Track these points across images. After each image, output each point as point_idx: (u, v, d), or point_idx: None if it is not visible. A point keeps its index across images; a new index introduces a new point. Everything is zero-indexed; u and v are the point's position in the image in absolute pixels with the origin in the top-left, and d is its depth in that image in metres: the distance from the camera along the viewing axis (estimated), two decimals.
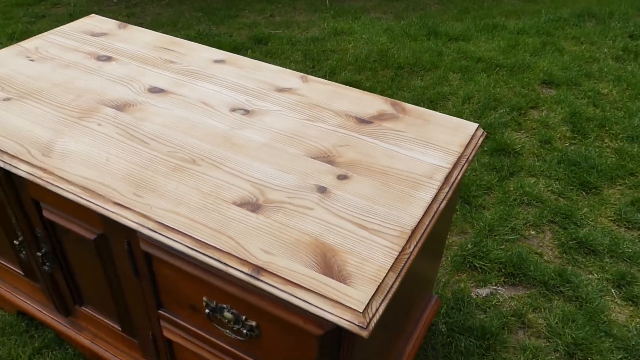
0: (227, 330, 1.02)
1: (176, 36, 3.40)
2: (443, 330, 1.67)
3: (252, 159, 1.11)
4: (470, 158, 1.17)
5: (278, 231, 0.94)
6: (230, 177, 1.06)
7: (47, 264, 1.30)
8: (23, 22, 3.73)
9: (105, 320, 1.36)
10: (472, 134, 1.22)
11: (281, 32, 3.48)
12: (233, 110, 1.26)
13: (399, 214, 0.99)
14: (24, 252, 1.33)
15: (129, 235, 1.05)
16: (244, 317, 0.98)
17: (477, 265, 1.89)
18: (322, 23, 3.66)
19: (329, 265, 0.88)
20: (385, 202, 1.02)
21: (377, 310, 0.83)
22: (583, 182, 2.26)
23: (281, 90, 1.35)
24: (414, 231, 0.96)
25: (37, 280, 1.45)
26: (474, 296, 1.79)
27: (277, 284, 0.85)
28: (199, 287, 1.01)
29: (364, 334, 0.80)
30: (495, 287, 1.82)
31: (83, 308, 1.39)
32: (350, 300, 0.82)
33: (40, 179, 1.06)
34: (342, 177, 1.07)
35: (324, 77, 2.98)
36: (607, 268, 1.88)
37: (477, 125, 1.26)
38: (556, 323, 1.68)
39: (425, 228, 0.98)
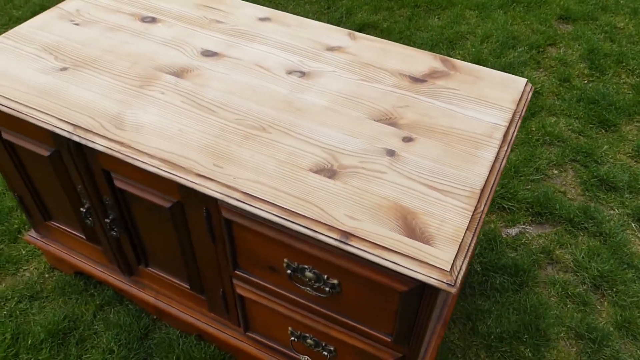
0: (308, 288, 1.11)
1: None
2: (478, 269, 1.78)
3: (318, 124, 1.15)
4: (522, 114, 1.22)
5: (357, 197, 1.00)
6: (301, 143, 1.11)
7: (115, 229, 1.36)
8: None
9: (172, 279, 1.45)
10: (522, 90, 1.27)
11: None
12: (289, 72, 1.29)
13: (466, 174, 1.05)
14: (90, 218, 1.39)
15: (208, 203, 1.11)
16: (325, 276, 1.06)
17: (506, 206, 1.98)
18: None
19: (411, 227, 0.95)
20: (452, 163, 1.08)
21: (460, 268, 0.91)
22: (602, 119, 2.32)
23: (331, 49, 1.37)
24: (482, 191, 1.03)
25: (99, 243, 1.52)
26: (504, 236, 1.89)
27: (366, 247, 0.93)
28: (280, 250, 1.08)
29: (453, 290, 0.88)
30: (524, 226, 1.93)
31: (149, 269, 1.47)
32: (436, 260, 0.90)
33: (119, 152, 1.10)
34: (407, 140, 1.12)
35: (340, 18, 2.95)
36: (627, 203, 1.98)
37: (525, 80, 1.30)
38: (582, 257, 1.80)
39: (492, 187, 1.05)
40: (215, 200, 1.09)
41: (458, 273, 0.90)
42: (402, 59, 1.34)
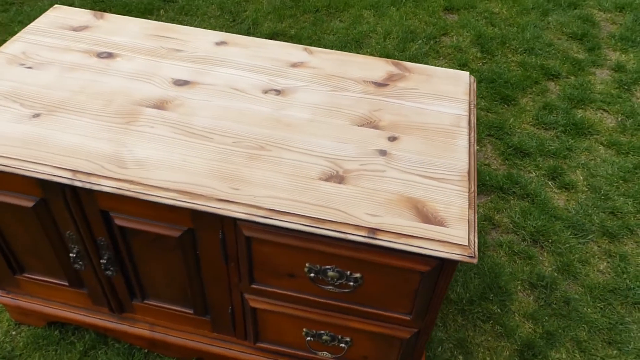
0: (330, 287, 1.20)
1: (75, 3, 3.18)
2: None
3: (310, 136, 1.25)
4: (474, 103, 1.41)
5: (369, 195, 1.12)
6: (302, 156, 1.20)
7: (111, 268, 1.35)
8: None
9: (171, 307, 1.46)
10: (469, 82, 1.46)
11: None
12: (265, 92, 1.37)
13: (450, 161, 1.21)
14: (80, 262, 1.36)
15: (224, 226, 1.16)
16: (348, 272, 1.17)
17: None
18: None
19: (424, 214, 1.09)
20: (436, 153, 1.23)
21: (474, 241, 1.06)
22: (503, 96, 2.64)
23: (294, 65, 1.46)
24: (469, 173, 1.19)
25: (84, 287, 1.49)
26: None
27: (392, 239, 1.05)
28: (301, 256, 1.17)
29: (474, 261, 1.03)
30: None
31: (145, 302, 1.47)
32: (455, 238, 1.05)
33: (129, 190, 1.11)
34: (392, 139, 1.26)
35: (247, 30, 3.01)
36: (540, 165, 2.30)
37: (468, 73, 1.49)
38: (518, 218, 2.07)
39: (474, 168, 1.22)
40: (233, 221, 1.14)
41: (474, 246, 1.05)
42: (361, 67, 1.47)
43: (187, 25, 2.99)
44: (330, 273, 1.17)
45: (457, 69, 2.81)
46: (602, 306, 1.80)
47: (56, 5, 1.64)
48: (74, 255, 1.35)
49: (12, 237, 1.39)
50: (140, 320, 1.56)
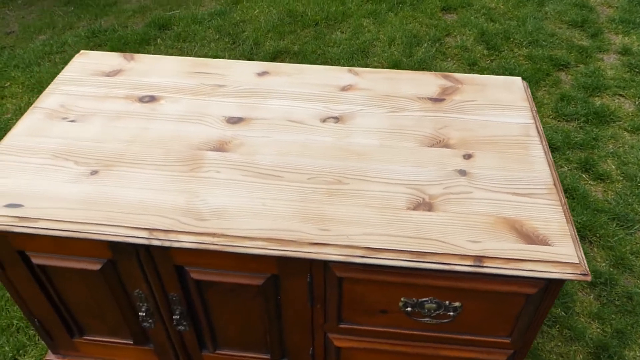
0: (427, 319, 1.16)
1: (68, 40, 3.08)
2: None
3: (383, 163, 1.20)
4: (535, 109, 1.38)
5: (463, 220, 1.07)
6: (382, 186, 1.15)
7: (184, 323, 1.28)
8: None
9: (245, 354, 1.39)
10: (522, 87, 1.42)
11: (178, 12, 3.31)
12: (323, 120, 1.31)
13: (532, 174, 1.17)
14: (149, 320, 1.29)
15: (312, 269, 1.11)
16: (447, 302, 1.12)
17: None
18: None
19: (525, 234, 1.05)
20: (514, 167, 1.19)
21: (582, 257, 1.02)
22: None
23: (344, 88, 1.41)
24: (555, 185, 1.15)
25: (150, 343, 1.41)
26: None
27: (501, 265, 1.01)
28: (396, 292, 1.12)
29: (588, 279, 0.99)
30: None
31: (217, 352, 1.40)
32: (564, 257, 1.01)
33: (213, 244, 1.05)
34: (467, 157, 1.22)
35: (250, 51, 2.95)
36: (570, 159, 2.28)
37: (519, 79, 1.46)
38: None
39: (557, 178, 1.18)
40: (323, 263, 1.09)
41: (583, 262, 1.01)
42: (411, 84, 1.43)
43: (188, 51, 2.93)
44: (428, 305, 1.12)
45: (466, 68, 2.79)
46: None
47: (82, 51, 1.57)
48: (144, 314, 1.28)
49: (72, 301, 1.32)
50: None
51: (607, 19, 3.11)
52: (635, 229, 1.98)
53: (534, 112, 1.36)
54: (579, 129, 2.43)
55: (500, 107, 1.36)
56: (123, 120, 1.32)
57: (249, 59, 2.90)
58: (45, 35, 3.24)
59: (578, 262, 1.00)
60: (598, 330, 1.70)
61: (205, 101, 1.37)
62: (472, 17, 3.15)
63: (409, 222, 1.07)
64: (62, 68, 3.03)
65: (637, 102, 2.56)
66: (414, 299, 1.12)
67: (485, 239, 1.04)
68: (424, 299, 1.12)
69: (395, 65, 2.78)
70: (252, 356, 1.40)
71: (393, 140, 1.26)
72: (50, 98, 1.39)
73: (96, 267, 1.18)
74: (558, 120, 2.48)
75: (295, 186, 1.15)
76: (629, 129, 2.41)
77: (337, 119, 1.32)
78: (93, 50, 3.07)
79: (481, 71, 2.76)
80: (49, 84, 2.89)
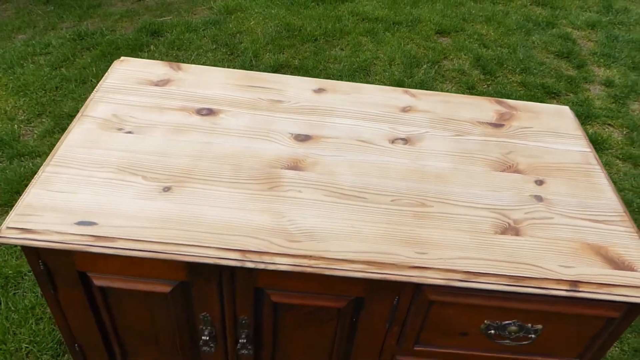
0: (507, 341, 1.16)
1: (52, 42, 2.94)
2: None
3: (463, 186, 1.20)
4: (588, 137, 1.43)
5: (552, 246, 1.09)
6: (467, 209, 1.15)
7: (249, 347, 1.23)
8: None
9: None
10: (572, 116, 1.47)
11: (170, 19, 3.22)
12: (392, 141, 1.31)
13: (603, 201, 1.21)
14: (211, 345, 1.23)
15: (402, 292, 1.09)
16: (529, 325, 1.13)
17: None
18: (205, 2, 3.46)
19: (611, 260, 1.08)
20: (585, 194, 1.22)
21: None
22: None
23: (404, 110, 1.41)
24: (626, 212, 1.19)
25: None
26: None
27: (595, 289, 1.03)
28: (480, 314, 1.12)
29: None
30: None
31: None
32: None
33: (310, 267, 1.02)
34: (539, 183, 1.24)
35: (249, 62, 2.91)
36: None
37: (567, 108, 1.51)
38: None
39: (624, 207, 1.22)
40: (414, 286, 1.07)
41: None
42: (468, 108, 1.45)
43: (184, 60, 2.85)
44: (511, 328, 1.13)
45: (465, 91, 2.86)
46: None
47: (123, 58, 1.49)
48: (207, 338, 1.21)
49: (124, 325, 1.23)
50: None
51: (589, 52, 3.29)
52: None
53: (588, 141, 1.40)
54: None
55: (556, 134, 1.39)
56: (184, 134, 1.26)
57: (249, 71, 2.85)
58: (26, 35, 3.06)
59: None
60: None
61: (267, 117, 1.34)
62: (466, 42, 3.24)
63: (499, 246, 1.08)
64: (49, 71, 2.89)
65: (624, 132, 2.71)
66: (497, 321, 1.13)
67: (577, 264, 1.06)
68: (508, 321, 1.12)
69: (399, 85, 2.81)
70: None
71: (464, 164, 1.27)
72: (100, 107, 1.31)
73: (166, 289, 1.12)
74: None
75: (380, 208, 1.13)
76: (621, 157, 2.55)
77: (405, 141, 1.31)
78: (83, 52, 2.95)
79: (480, 94, 2.84)
80: (36, 87, 2.74)
